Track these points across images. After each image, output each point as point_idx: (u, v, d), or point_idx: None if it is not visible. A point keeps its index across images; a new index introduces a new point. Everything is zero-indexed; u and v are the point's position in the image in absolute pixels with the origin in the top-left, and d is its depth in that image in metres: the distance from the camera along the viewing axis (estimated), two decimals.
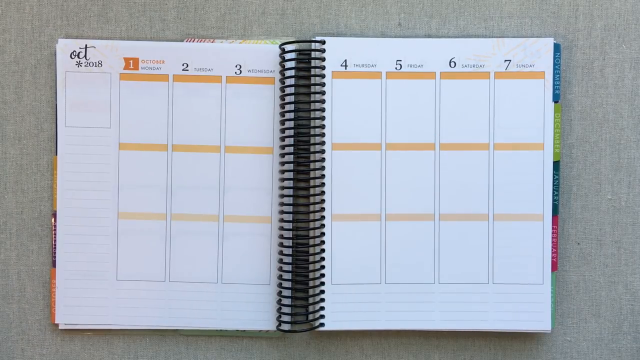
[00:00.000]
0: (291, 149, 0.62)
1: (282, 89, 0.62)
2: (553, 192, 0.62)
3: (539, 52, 0.62)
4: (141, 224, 0.63)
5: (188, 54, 0.63)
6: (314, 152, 0.62)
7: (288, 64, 0.61)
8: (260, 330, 0.63)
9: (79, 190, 0.63)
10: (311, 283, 0.62)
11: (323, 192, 0.62)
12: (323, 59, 0.62)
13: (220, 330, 0.63)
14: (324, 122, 0.62)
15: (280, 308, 0.62)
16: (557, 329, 0.64)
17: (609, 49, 0.64)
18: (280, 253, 0.62)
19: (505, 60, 0.62)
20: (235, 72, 0.63)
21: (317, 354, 0.64)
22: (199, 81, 0.63)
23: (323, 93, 0.62)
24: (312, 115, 0.62)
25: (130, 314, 0.63)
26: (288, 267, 0.61)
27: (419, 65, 0.62)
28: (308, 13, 0.64)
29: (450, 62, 0.62)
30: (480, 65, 0.62)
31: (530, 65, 0.62)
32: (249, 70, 0.63)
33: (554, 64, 0.62)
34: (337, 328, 0.62)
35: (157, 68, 0.63)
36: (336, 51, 0.62)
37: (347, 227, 0.62)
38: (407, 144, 0.62)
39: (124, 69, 0.63)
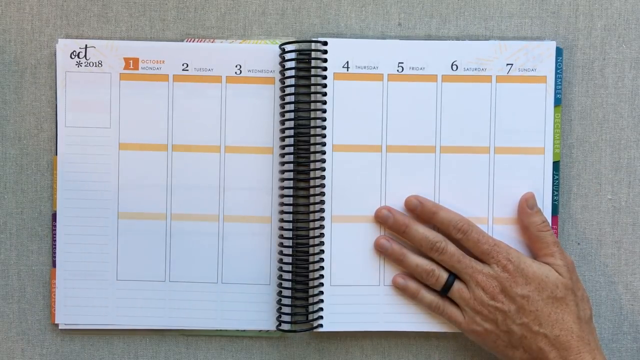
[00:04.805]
0: (291, 149, 0.62)
1: (282, 89, 0.61)
2: (553, 193, 0.62)
3: (541, 56, 0.62)
4: (141, 224, 0.63)
5: (188, 54, 0.63)
6: (314, 153, 0.61)
7: (288, 64, 0.61)
8: (260, 330, 0.63)
9: (79, 190, 0.63)
10: (311, 284, 0.62)
11: (323, 193, 0.62)
12: (324, 60, 0.61)
13: (220, 330, 0.63)
14: (325, 123, 0.62)
15: (280, 308, 0.62)
16: None
17: (609, 49, 0.63)
18: (280, 253, 0.62)
19: (507, 64, 0.62)
20: (235, 72, 0.63)
21: (317, 354, 0.64)
22: (199, 81, 0.63)
23: (324, 94, 0.61)
24: (312, 116, 0.61)
25: (130, 314, 0.63)
26: (288, 267, 0.61)
27: (421, 68, 0.62)
28: (308, 13, 0.64)
29: (452, 65, 0.62)
30: (482, 69, 0.62)
31: (532, 69, 0.62)
32: (249, 70, 0.63)
33: (556, 68, 0.62)
34: (335, 329, 0.62)
35: (157, 68, 0.62)
36: (338, 52, 0.62)
37: (347, 228, 0.62)
38: (408, 147, 0.62)
39: (124, 69, 0.63)
